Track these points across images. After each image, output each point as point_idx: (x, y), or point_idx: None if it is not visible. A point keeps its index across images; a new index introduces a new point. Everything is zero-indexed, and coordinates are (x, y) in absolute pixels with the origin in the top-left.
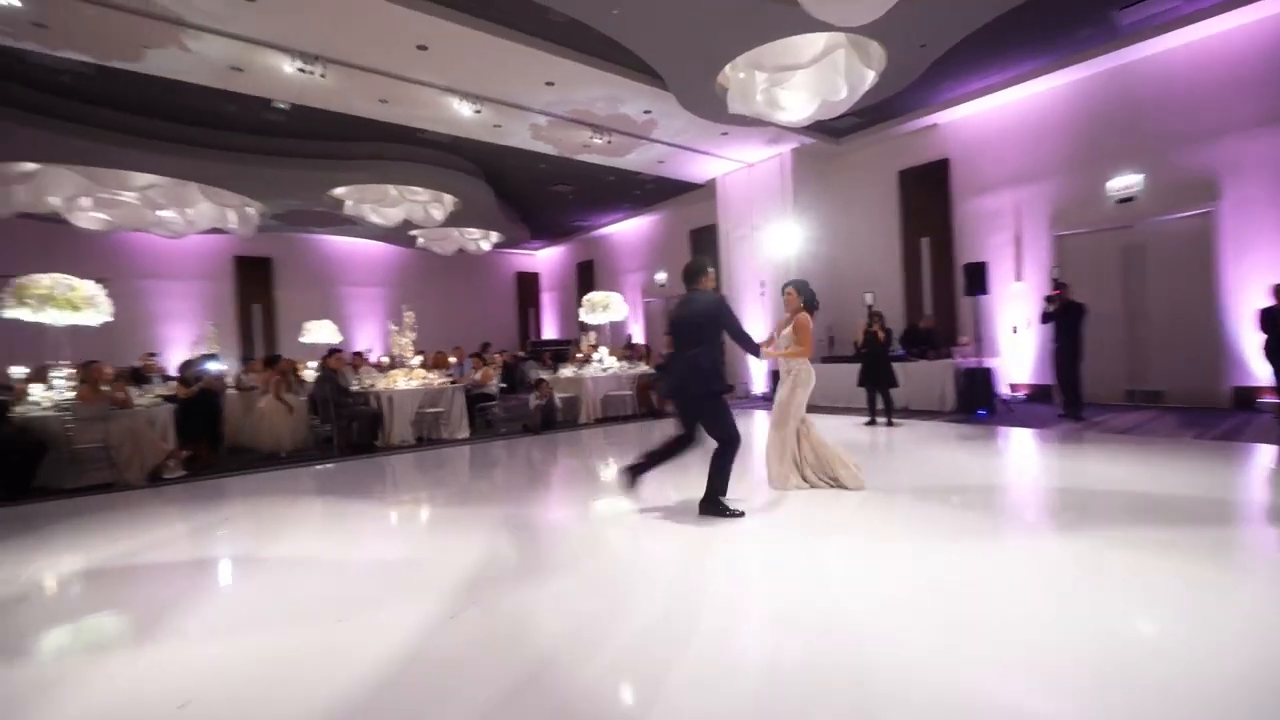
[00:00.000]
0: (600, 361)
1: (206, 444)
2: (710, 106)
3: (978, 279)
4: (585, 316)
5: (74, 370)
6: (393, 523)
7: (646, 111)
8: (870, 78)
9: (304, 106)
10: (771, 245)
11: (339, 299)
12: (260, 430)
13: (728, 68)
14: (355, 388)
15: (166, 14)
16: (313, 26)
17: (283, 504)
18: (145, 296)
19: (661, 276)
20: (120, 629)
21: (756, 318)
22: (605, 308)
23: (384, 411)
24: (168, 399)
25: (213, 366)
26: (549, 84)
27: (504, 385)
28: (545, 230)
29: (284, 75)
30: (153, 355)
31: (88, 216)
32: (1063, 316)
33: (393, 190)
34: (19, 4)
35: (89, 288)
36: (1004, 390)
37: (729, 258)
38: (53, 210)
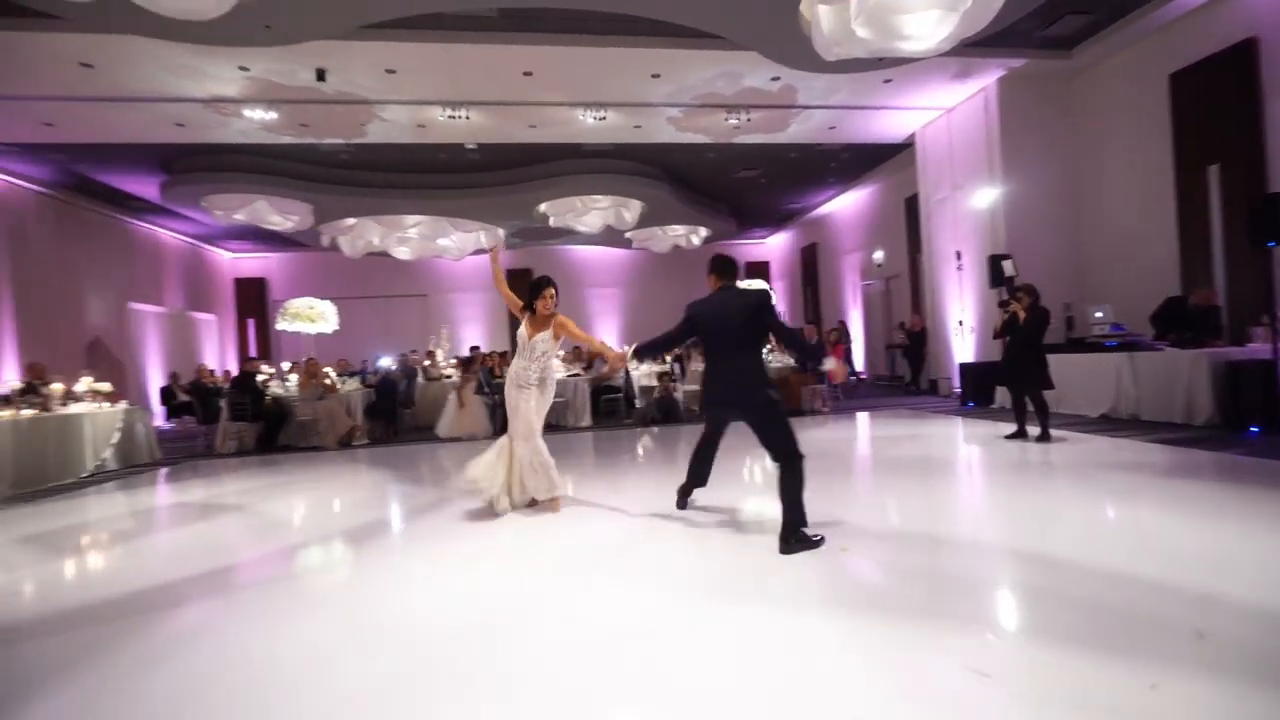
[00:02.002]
0: None
1: (384, 422)
2: (807, 54)
3: None
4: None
5: (297, 364)
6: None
7: (774, 79)
8: None
9: (486, 144)
10: (975, 205)
11: (583, 300)
12: (461, 418)
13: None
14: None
15: (353, 98)
16: (436, 80)
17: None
18: (452, 306)
19: (879, 256)
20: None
21: (951, 296)
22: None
23: None
24: (369, 386)
25: (384, 363)
26: (655, 76)
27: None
28: (761, 217)
29: (442, 123)
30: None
31: (399, 250)
32: None
33: (578, 202)
34: (274, 115)
35: (323, 306)
36: None
37: (928, 227)
38: (379, 248)
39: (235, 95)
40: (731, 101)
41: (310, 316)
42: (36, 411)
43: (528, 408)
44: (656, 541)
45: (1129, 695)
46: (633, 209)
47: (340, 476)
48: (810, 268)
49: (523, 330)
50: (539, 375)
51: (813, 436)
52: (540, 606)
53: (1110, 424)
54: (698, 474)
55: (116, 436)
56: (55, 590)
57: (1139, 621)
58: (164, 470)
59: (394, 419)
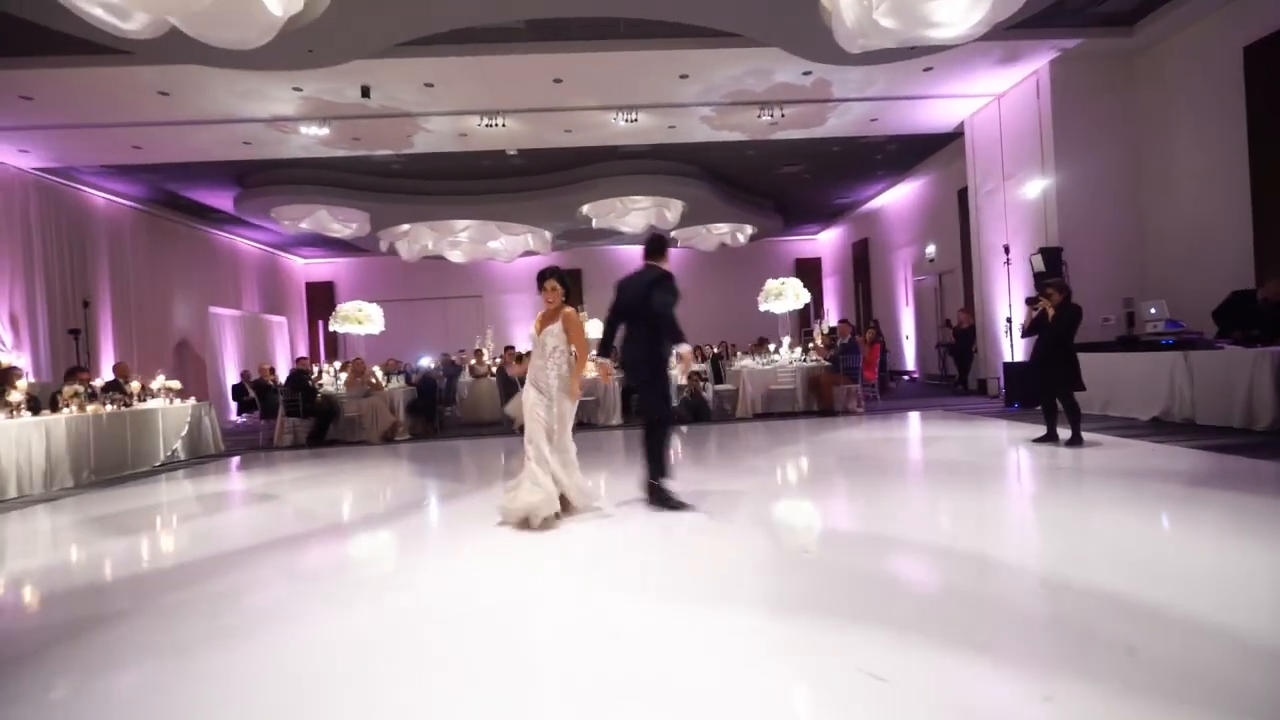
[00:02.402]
0: (768, 354)
1: (424, 419)
2: (833, 47)
3: None
4: (334, 328)
5: (346, 363)
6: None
7: (806, 73)
8: None
9: (526, 150)
10: (1026, 195)
11: None
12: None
13: None
14: None
15: (397, 111)
16: (471, 91)
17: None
18: (505, 306)
19: (931, 250)
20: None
21: (1000, 292)
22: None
23: None
24: (412, 385)
25: (424, 363)
26: (683, 76)
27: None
28: (810, 213)
29: (481, 131)
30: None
31: (453, 253)
32: None
33: (618, 203)
34: (327, 130)
35: (370, 309)
36: None
37: (977, 219)
38: (434, 252)
39: (292, 114)
40: (763, 98)
41: (358, 319)
42: (116, 407)
43: (549, 416)
44: (626, 543)
45: (1021, 705)
46: (674, 209)
47: (371, 470)
48: (862, 264)
49: (532, 327)
50: (557, 377)
51: (832, 437)
52: (529, 599)
53: (1160, 428)
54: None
55: (185, 429)
56: (127, 562)
57: (1071, 633)
58: (225, 461)
59: (433, 416)
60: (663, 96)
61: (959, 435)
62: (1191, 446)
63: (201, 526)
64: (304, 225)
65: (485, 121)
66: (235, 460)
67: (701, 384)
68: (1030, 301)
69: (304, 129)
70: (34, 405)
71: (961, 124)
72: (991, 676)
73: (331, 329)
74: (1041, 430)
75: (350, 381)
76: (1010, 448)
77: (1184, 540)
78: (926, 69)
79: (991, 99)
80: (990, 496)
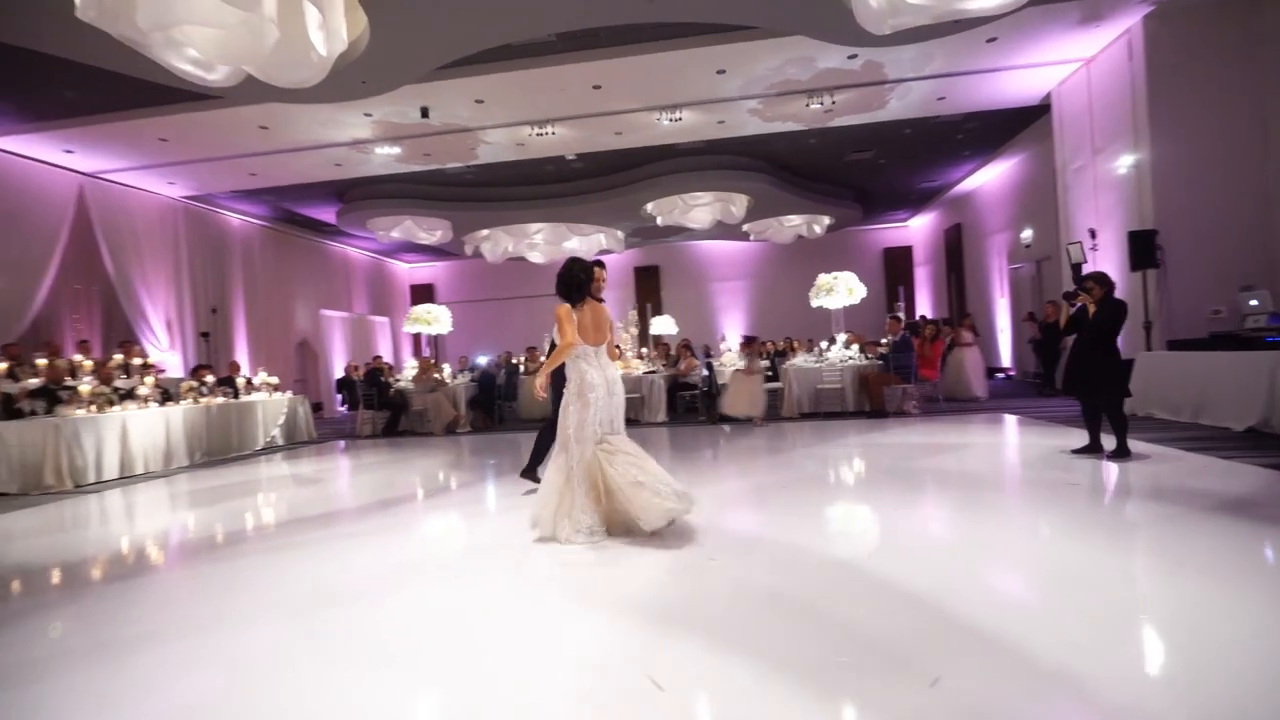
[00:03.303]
0: (817, 352)
1: (483, 413)
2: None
3: None
4: (408, 329)
5: (420, 360)
6: None
7: (852, 56)
8: None
9: (583, 154)
10: (1117, 172)
11: (711, 294)
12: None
13: None
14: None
15: (456, 127)
16: (518, 103)
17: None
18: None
19: (1027, 235)
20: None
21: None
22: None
23: None
24: (473, 380)
25: (482, 361)
26: (720, 72)
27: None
28: (895, 199)
29: (535, 140)
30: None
31: (532, 254)
32: None
33: (679, 200)
34: (398, 150)
35: (439, 311)
36: None
37: (1066, 199)
38: (515, 254)
39: (368, 136)
40: (810, 86)
41: (427, 320)
42: (226, 399)
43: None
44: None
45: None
46: (739, 203)
47: (418, 459)
48: (954, 251)
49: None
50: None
51: (845, 441)
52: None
53: (1248, 441)
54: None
55: (282, 419)
56: (236, 519)
57: (885, 657)
58: (313, 447)
59: (493, 410)
60: (703, 93)
61: (992, 443)
62: (1267, 464)
63: (286, 496)
64: (395, 234)
65: (536, 131)
66: (321, 446)
67: None
68: (1068, 297)
69: (378, 149)
70: (166, 396)
71: (1049, 95)
72: (774, 696)
73: (405, 330)
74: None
75: (417, 378)
76: (1040, 459)
77: (1112, 582)
78: (990, 39)
79: (1079, 65)
80: (946, 513)
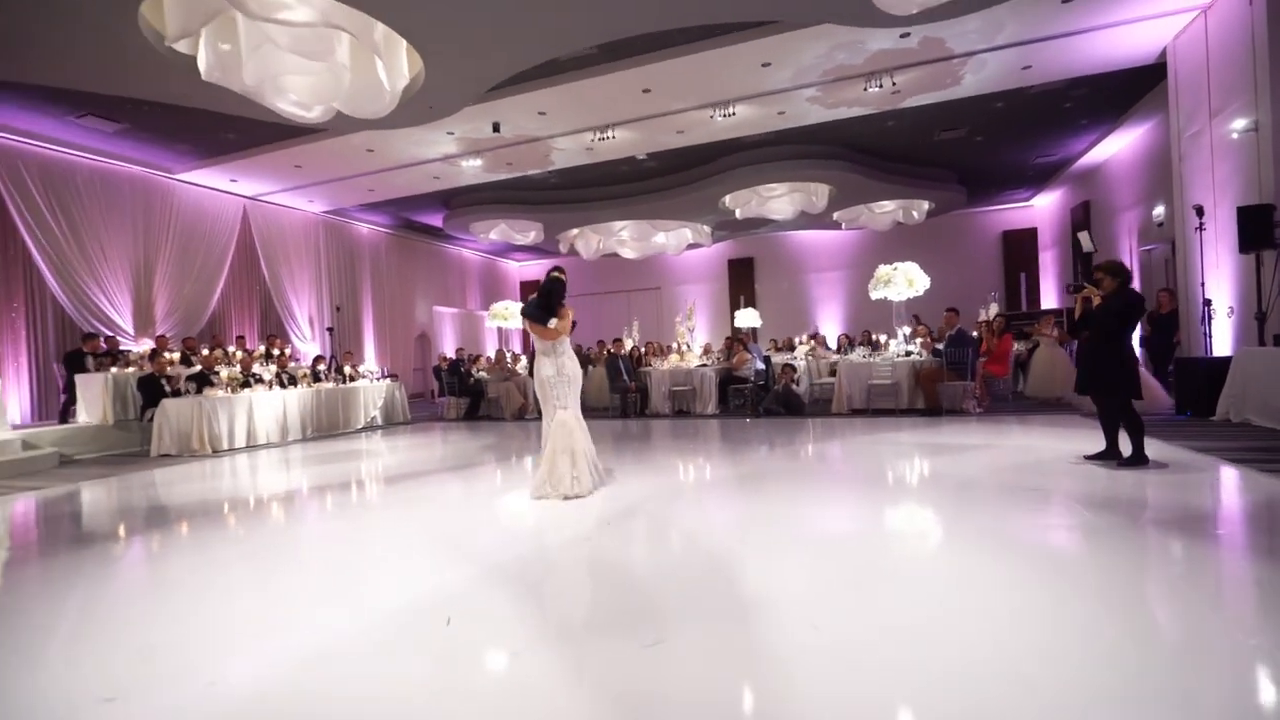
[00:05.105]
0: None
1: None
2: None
3: None
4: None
5: (491, 355)
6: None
7: (904, 35)
8: None
9: (654, 153)
10: (1233, 138)
11: (805, 285)
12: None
13: None
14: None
15: (527, 138)
16: (576, 111)
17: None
18: (683, 296)
19: (1159, 212)
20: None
21: (1192, 258)
22: (506, 318)
23: (648, 386)
24: None
25: None
26: (765, 65)
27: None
28: (1008, 178)
29: (601, 144)
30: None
31: (625, 250)
32: None
33: (755, 192)
34: (480, 162)
35: (515, 307)
36: None
37: (1181, 170)
38: (606, 250)
39: (454, 151)
40: (867, 69)
41: (505, 315)
42: (335, 384)
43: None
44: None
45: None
46: (820, 192)
47: (475, 439)
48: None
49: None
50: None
51: (868, 439)
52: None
53: None
54: None
55: (380, 402)
56: (342, 475)
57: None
58: (406, 427)
59: None
60: (752, 87)
61: (1017, 445)
62: None
63: (378, 462)
64: (493, 236)
65: (599, 136)
66: (413, 427)
67: (794, 377)
68: (1073, 289)
69: (464, 162)
70: (289, 380)
71: (1164, 51)
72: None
73: (487, 325)
74: (1203, 457)
75: (491, 368)
76: (1038, 465)
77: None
78: (1064, 0)
79: (1197, 12)
80: (846, 510)
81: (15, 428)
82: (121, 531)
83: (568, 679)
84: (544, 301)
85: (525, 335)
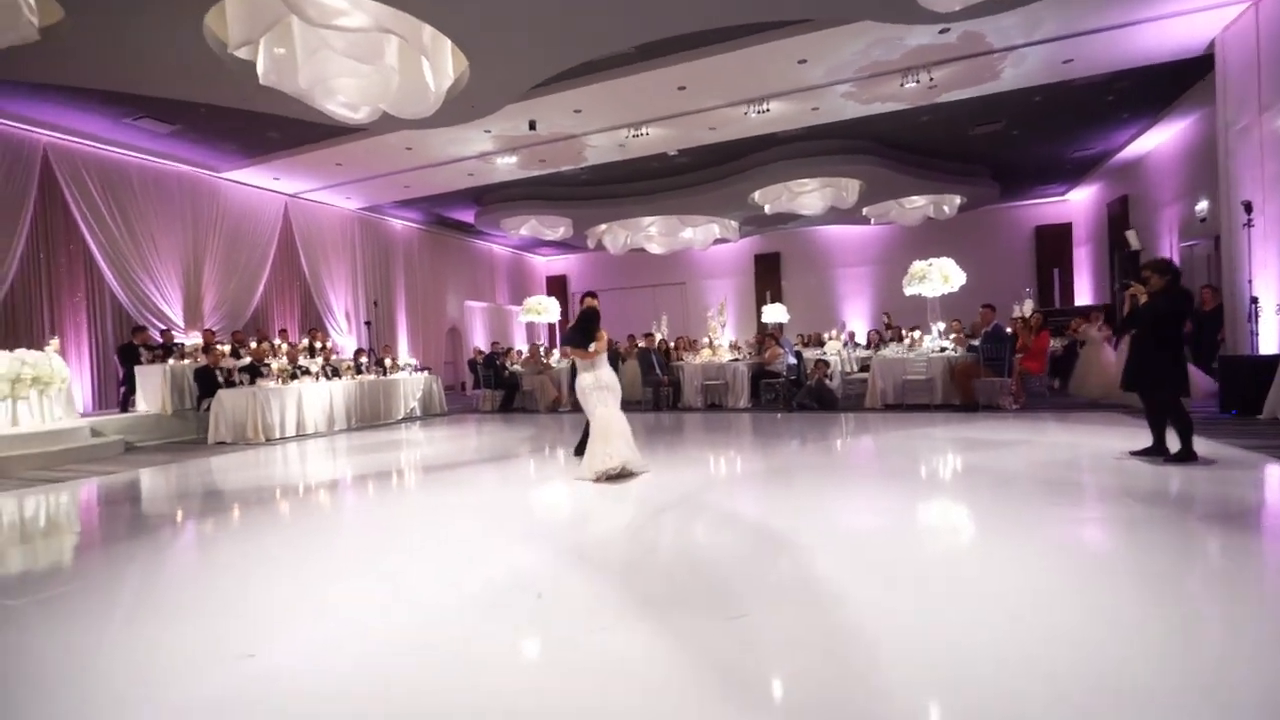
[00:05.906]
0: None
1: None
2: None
3: None
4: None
5: (527, 349)
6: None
7: (943, 30)
8: None
9: (685, 149)
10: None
11: (833, 280)
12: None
13: None
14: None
15: (562, 135)
16: (611, 109)
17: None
18: (708, 291)
19: (1202, 207)
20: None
21: (1239, 254)
22: (539, 313)
23: (681, 380)
24: None
25: None
26: (801, 61)
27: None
28: (1042, 172)
29: (634, 141)
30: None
31: (651, 245)
32: None
33: (785, 188)
34: (515, 158)
35: (548, 303)
36: None
37: (1228, 165)
38: (634, 245)
39: (490, 149)
40: (905, 65)
41: (538, 310)
42: (376, 376)
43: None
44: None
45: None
46: (850, 188)
47: (511, 431)
48: (1119, 228)
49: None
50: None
51: (905, 430)
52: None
53: None
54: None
55: (419, 394)
56: (383, 462)
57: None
58: (444, 418)
59: None
60: (788, 84)
61: (1055, 441)
62: None
63: (430, 449)
64: (523, 231)
65: (633, 133)
66: (450, 418)
67: (827, 372)
68: (1123, 287)
69: (499, 159)
70: (333, 372)
71: (1212, 43)
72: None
73: (520, 320)
74: (1253, 454)
75: (525, 362)
76: (1077, 461)
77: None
78: None
79: (1248, 4)
80: (879, 503)
81: (82, 416)
82: (236, 508)
83: (665, 649)
84: (583, 327)
85: (551, 327)
